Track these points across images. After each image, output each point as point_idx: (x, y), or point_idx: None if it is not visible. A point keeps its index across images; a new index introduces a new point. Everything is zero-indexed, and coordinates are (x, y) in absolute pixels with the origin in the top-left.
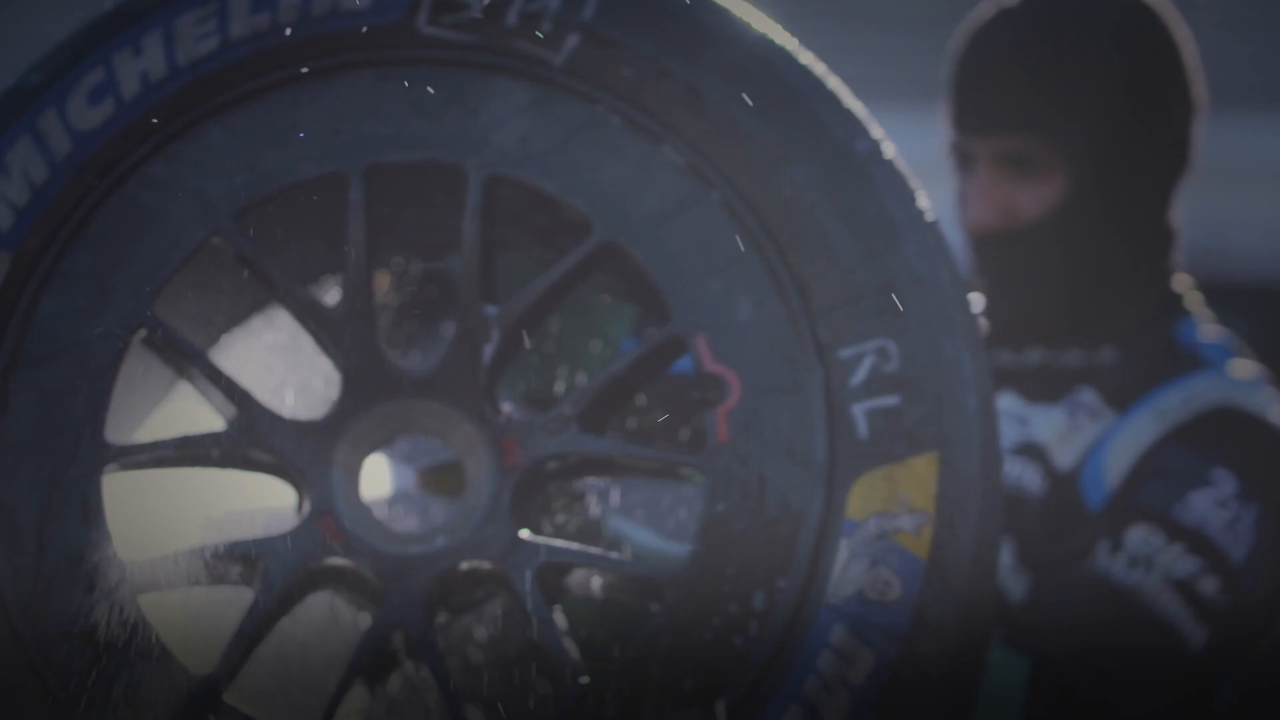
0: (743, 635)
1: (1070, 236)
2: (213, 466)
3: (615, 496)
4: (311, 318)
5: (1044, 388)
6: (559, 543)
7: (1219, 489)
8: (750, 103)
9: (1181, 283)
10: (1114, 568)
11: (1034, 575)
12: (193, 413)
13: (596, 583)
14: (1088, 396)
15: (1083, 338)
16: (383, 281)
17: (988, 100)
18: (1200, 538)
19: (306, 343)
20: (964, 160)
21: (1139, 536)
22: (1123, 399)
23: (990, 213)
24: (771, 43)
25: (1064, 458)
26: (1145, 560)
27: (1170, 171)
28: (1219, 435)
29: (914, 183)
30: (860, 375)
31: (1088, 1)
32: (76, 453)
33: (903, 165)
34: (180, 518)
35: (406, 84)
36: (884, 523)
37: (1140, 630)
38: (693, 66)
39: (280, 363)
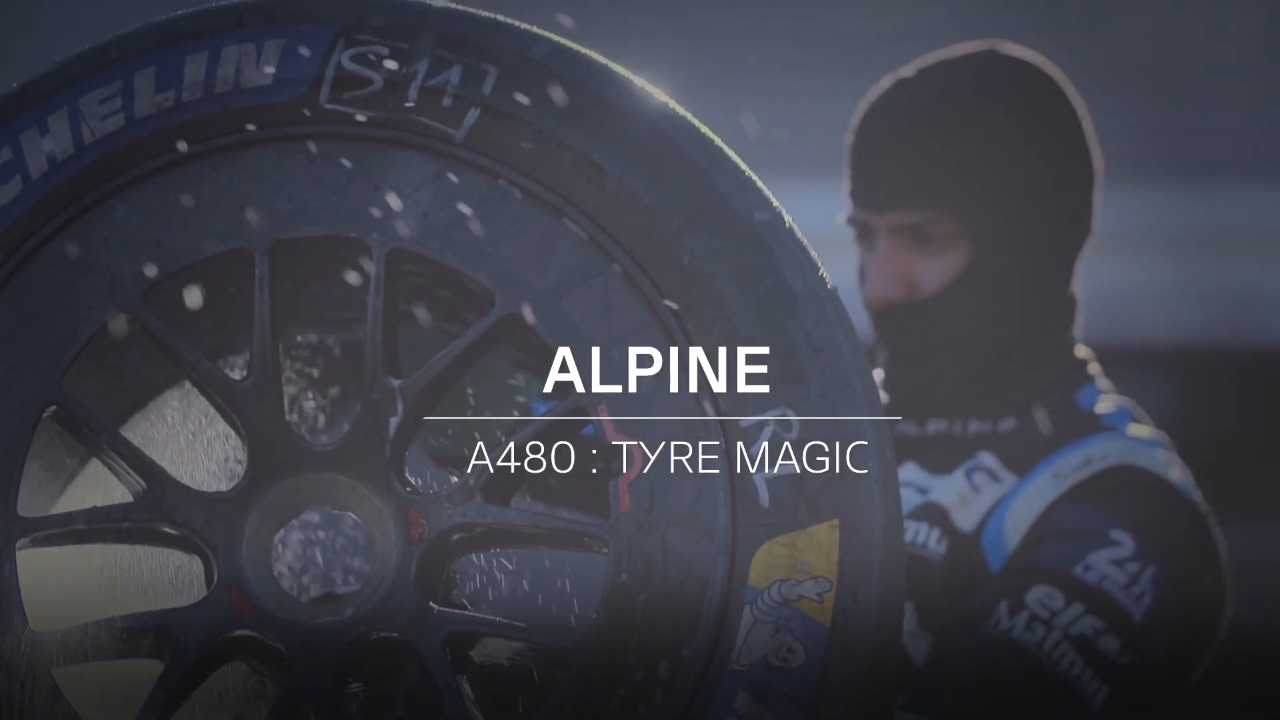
0: (648, 704)
1: (971, 308)
2: (124, 540)
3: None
4: (218, 392)
5: (945, 458)
6: (466, 612)
7: (1118, 549)
8: (649, 175)
9: (1083, 351)
10: (1014, 628)
11: (935, 637)
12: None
13: (504, 652)
14: (987, 459)
15: (984, 409)
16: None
17: (883, 176)
18: (1100, 597)
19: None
20: (863, 233)
21: (1039, 597)
22: (1023, 462)
23: (890, 286)
24: (670, 115)
25: (965, 520)
26: (1045, 620)
27: (1070, 240)
28: (1117, 495)
29: (813, 253)
30: (761, 444)
31: (983, 71)
32: None
33: (801, 236)
34: (93, 589)
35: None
36: (787, 589)
37: (1041, 690)
38: (592, 140)
39: None
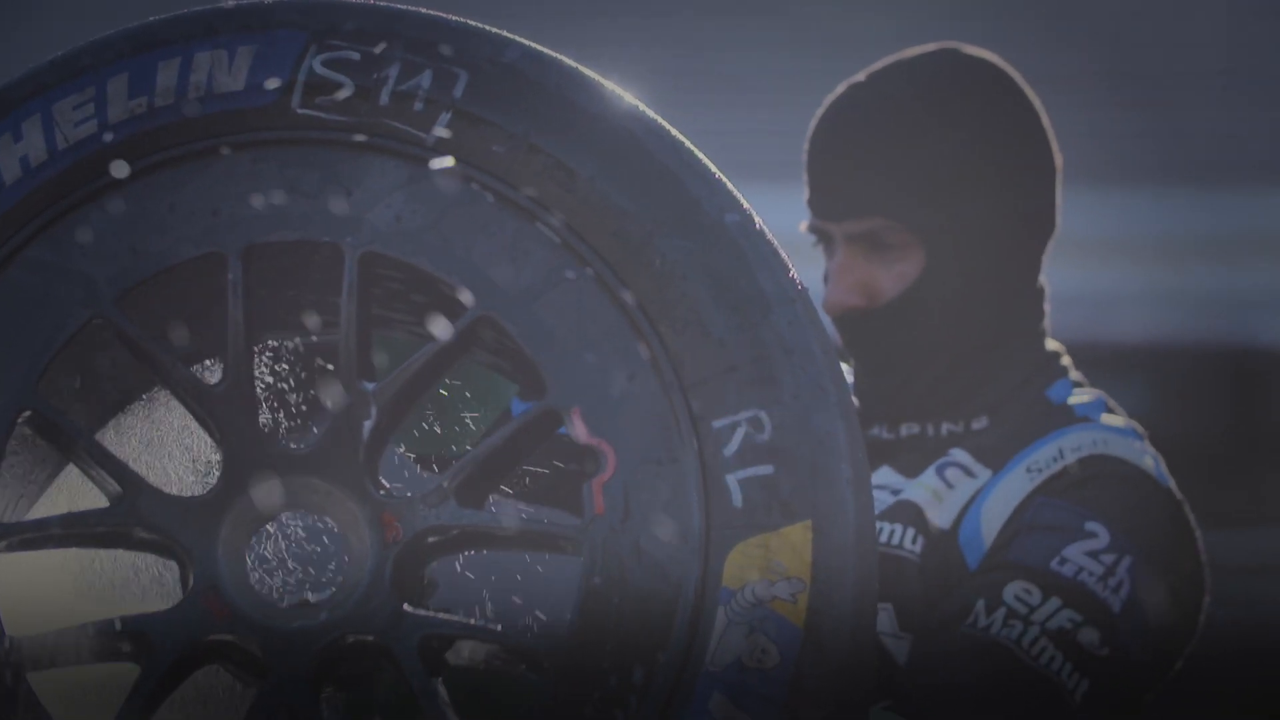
0: (624, 707)
1: (933, 313)
2: (99, 545)
3: None
4: (193, 397)
5: (919, 461)
6: (441, 615)
7: (1094, 540)
8: (620, 178)
9: (1054, 344)
10: (992, 625)
11: (915, 638)
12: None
13: (479, 655)
14: (960, 455)
15: (956, 410)
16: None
17: (836, 183)
18: (1077, 590)
19: None
20: (822, 241)
21: (1015, 592)
22: (996, 457)
23: (849, 294)
24: (641, 118)
25: (940, 517)
26: (1023, 616)
27: (1031, 240)
28: (1091, 487)
29: (785, 254)
30: (734, 445)
31: (932, 74)
32: None
33: (773, 237)
34: (68, 594)
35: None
36: (760, 590)
37: (1022, 686)
38: (563, 143)
39: None
